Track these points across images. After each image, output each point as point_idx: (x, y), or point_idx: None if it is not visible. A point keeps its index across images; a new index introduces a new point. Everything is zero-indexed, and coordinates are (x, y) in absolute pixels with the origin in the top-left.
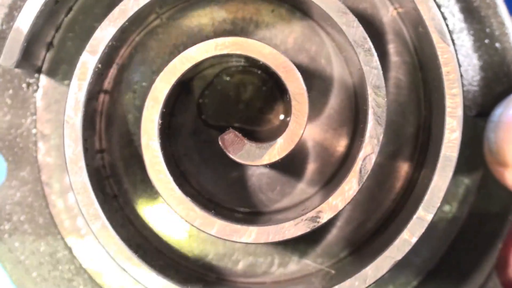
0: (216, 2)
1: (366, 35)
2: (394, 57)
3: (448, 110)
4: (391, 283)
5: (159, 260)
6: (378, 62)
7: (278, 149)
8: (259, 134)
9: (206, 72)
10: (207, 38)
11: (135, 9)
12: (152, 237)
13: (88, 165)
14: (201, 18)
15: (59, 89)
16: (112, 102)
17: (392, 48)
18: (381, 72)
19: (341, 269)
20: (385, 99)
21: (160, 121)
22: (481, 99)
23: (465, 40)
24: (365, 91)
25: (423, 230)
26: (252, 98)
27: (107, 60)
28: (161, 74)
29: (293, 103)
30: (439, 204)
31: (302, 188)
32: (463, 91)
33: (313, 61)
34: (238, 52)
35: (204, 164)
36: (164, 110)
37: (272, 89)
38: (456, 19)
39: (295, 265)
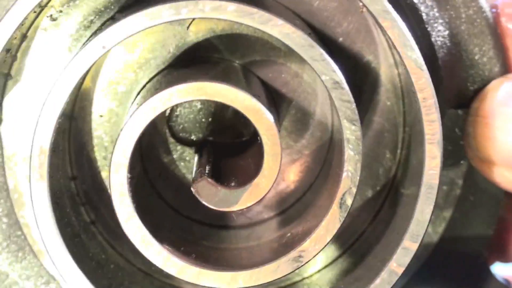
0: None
1: (335, 68)
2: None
3: (427, 137)
4: None
5: (145, 280)
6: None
7: (253, 192)
8: (232, 147)
9: None
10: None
11: None
12: (134, 259)
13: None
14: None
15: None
16: (78, 129)
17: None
18: (353, 105)
19: None
20: (360, 132)
21: (129, 187)
22: (460, 90)
23: (441, 30)
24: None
25: (409, 260)
26: (222, 111)
27: None
28: (122, 132)
29: (265, 146)
30: (423, 233)
31: (258, 210)
32: (442, 84)
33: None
34: (203, 97)
35: (180, 182)
36: (130, 175)
37: None
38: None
39: None
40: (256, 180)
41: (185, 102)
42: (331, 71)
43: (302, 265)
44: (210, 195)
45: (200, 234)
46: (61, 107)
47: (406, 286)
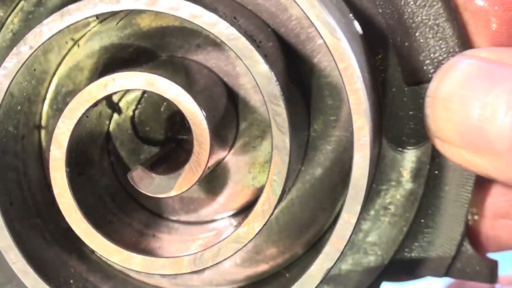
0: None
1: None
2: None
3: (352, 107)
4: None
5: None
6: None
7: (185, 179)
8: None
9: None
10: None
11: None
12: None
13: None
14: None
15: None
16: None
17: None
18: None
19: None
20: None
21: (68, 169)
22: (416, 67)
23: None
24: None
25: (349, 233)
26: None
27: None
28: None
29: (194, 132)
30: (361, 204)
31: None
32: (402, 60)
33: None
34: (136, 87)
35: None
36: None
37: None
38: None
39: None
40: (188, 166)
41: (118, 91)
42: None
43: (243, 247)
44: (146, 183)
45: (147, 224)
46: None
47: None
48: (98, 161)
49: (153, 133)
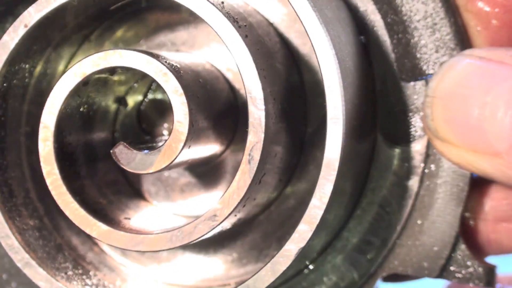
0: None
1: None
2: None
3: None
4: None
5: None
6: None
7: (164, 156)
8: None
9: (138, 85)
10: None
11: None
12: None
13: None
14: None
15: None
16: None
17: None
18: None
19: None
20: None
21: (56, 145)
22: (413, 63)
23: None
24: None
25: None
26: None
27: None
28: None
29: (173, 107)
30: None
31: None
32: (399, 57)
33: None
34: (114, 65)
35: None
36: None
37: None
38: None
39: None
40: (167, 143)
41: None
42: None
43: (218, 224)
44: (127, 159)
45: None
46: None
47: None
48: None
49: (155, 125)
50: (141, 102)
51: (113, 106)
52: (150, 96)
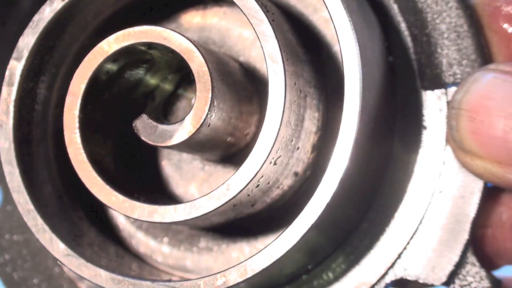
0: None
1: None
2: None
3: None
4: None
5: None
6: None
7: (185, 128)
8: None
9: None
10: None
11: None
12: None
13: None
14: None
15: None
16: None
17: None
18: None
19: None
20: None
21: (80, 115)
22: (437, 76)
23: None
24: None
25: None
26: None
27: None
28: (77, 71)
29: (197, 82)
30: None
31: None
32: (421, 66)
33: None
34: (144, 40)
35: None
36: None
37: None
38: None
39: None
40: (188, 116)
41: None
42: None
43: (232, 198)
44: (148, 131)
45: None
46: None
47: None
48: None
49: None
50: (169, 97)
51: (141, 99)
52: (179, 91)
